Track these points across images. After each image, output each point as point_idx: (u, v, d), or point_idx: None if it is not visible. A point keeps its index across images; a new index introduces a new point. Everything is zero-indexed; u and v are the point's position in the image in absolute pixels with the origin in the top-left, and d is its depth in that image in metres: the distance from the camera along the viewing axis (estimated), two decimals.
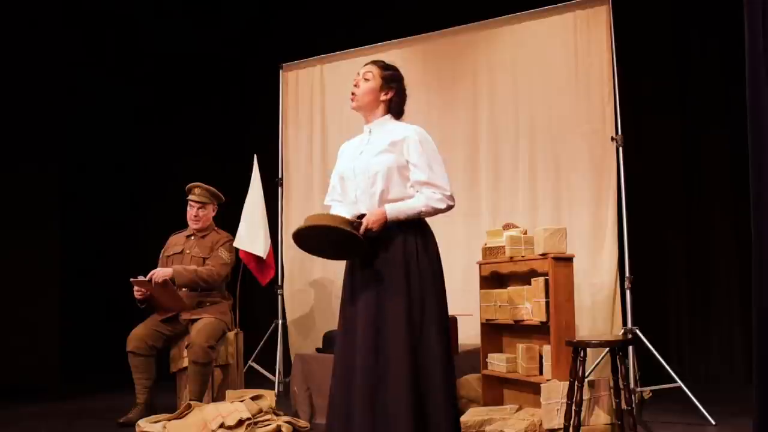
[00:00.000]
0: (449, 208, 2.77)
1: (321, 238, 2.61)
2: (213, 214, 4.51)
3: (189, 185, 4.47)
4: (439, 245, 5.10)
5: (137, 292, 4.13)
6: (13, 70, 5.60)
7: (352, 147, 2.85)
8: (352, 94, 2.76)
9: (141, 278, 4.06)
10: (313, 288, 5.59)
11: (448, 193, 2.72)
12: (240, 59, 6.91)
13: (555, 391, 3.20)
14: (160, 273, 4.08)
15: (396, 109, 2.81)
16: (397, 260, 2.64)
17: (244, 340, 4.44)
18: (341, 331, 2.74)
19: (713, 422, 3.76)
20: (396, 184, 2.68)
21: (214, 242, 4.42)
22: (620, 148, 4.32)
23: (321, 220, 2.57)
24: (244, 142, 6.47)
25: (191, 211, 4.43)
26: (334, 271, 5.49)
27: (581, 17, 4.59)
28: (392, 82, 2.78)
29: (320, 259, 5.59)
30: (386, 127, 2.77)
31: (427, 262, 2.71)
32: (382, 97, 2.77)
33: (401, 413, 2.46)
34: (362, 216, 2.65)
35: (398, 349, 2.53)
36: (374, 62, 2.83)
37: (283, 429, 3.66)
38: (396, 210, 2.65)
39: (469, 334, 4.44)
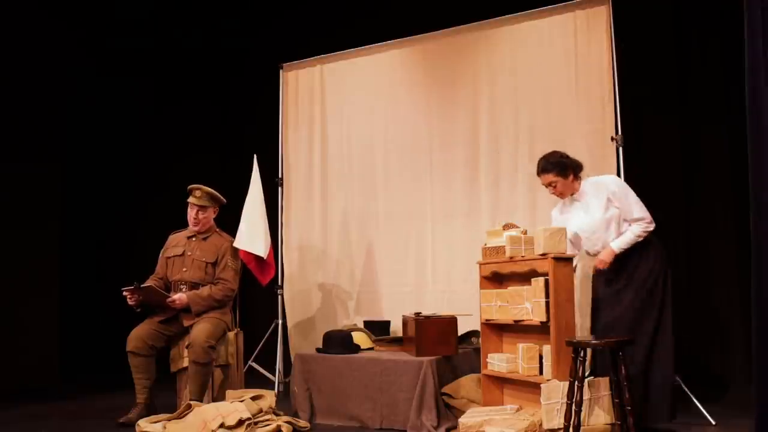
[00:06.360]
0: None
1: None
2: (213, 216, 4.51)
3: (190, 186, 4.47)
4: (439, 245, 5.16)
5: (129, 300, 4.15)
6: (13, 69, 5.59)
7: None
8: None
9: (129, 287, 4.12)
10: (313, 288, 5.59)
11: None
12: (240, 59, 6.91)
13: (555, 391, 3.20)
14: (177, 301, 4.19)
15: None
16: None
17: (244, 340, 4.44)
18: None
19: (713, 422, 3.76)
20: None
21: (217, 247, 4.41)
22: (620, 148, 4.32)
23: None
24: (243, 141, 6.47)
25: (191, 213, 4.42)
26: (334, 271, 5.51)
27: (581, 17, 4.59)
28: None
29: (320, 260, 5.66)
30: None
31: None
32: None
33: None
34: None
35: None
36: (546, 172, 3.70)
37: (283, 429, 3.67)
38: None
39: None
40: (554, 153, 3.75)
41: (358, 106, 5.53)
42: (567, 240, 3.56)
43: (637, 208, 3.56)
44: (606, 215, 3.57)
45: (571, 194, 3.73)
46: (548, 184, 3.73)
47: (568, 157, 3.73)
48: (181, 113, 6.75)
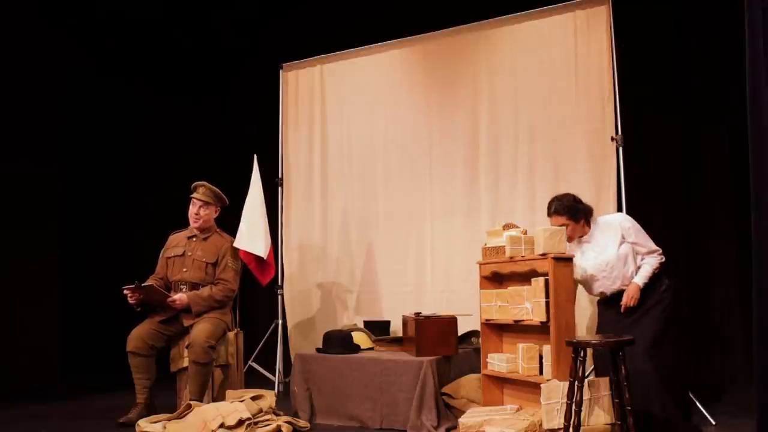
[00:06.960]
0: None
1: None
2: (215, 215, 4.51)
3: (194, 183, 4.47)
4: (439, 245, 5.17)
5: (130, 298, 4.15)
6: (13, 69, 5.59)
7: None
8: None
9: (130, 285, 4.11)
10: (313, 288, 5.59)
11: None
12: (240, 59, 6.91)
13: (555, 391, 3.20)
14: (178, 301, 4.19)
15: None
16: None
17: (244, 340, 4.44)
18: None
19: (713, 422, 3.76)
20: None
21: (218, 247, 4.41)
22: (620, 148, 4.32)
23: None
24: (244, 141, 6.48)
25: (193, 209, 4.42)
26: (334, 271, 5.51)
27: (581, 17, 4.59)
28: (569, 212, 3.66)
29: (320, 260, 5.67)
30: None
31: None
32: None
33: None
34: None
35: None
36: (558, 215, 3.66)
37: (283, 429, 3.67)
38: None
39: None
40: (567, 195, 3.72)
41: (358, 106, 5.53)
42: (576, 279, 3.59)
43: (649, 241, 3.62)
44: (620, 251, 3.58)
45: (580, 237, 3.71)
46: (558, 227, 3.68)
47: (580, 201, 3.72)
48: (181, 113, 6.75)
